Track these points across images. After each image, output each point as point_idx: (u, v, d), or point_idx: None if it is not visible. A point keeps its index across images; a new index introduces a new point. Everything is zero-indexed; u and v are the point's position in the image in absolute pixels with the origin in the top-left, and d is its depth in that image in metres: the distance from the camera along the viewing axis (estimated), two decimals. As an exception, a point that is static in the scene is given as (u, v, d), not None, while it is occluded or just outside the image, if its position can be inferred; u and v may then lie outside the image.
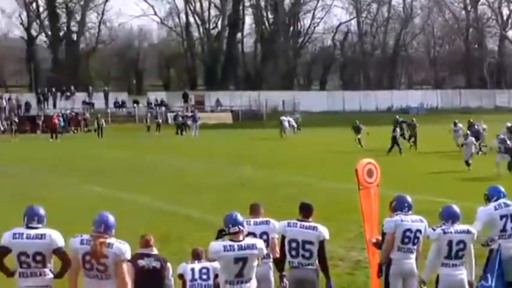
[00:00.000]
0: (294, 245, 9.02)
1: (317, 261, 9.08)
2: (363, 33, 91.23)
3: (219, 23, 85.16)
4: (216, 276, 8.66)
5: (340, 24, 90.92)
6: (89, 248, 7.70)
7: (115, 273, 7.74)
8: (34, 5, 79.50)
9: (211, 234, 10.16)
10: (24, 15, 79.51)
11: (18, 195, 21.29)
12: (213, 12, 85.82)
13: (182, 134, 53.02)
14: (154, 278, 8.62)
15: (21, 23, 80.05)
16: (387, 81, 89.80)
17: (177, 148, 41.66)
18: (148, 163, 32.12)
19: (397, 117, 40.87)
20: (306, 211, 9.22)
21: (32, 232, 8.08)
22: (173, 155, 36.33)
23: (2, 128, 50.60)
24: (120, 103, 66.81)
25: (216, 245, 8.13)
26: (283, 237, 9.15)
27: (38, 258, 8.07)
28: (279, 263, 9.27)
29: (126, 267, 7.84)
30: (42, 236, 8.08)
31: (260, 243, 8.32)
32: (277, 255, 9.30)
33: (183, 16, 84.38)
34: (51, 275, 8.21)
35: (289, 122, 50.16)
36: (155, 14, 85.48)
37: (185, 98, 67.96)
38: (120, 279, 7.74)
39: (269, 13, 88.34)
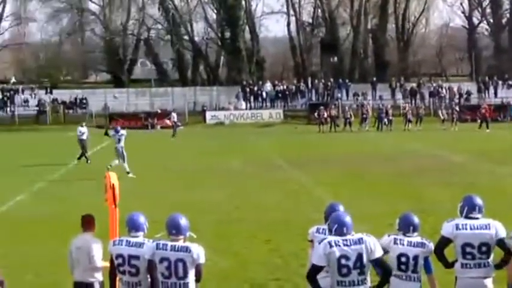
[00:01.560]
0: None
1: None
2: None
3: None
4: None
5: None
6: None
7: None
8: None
9: None
10: (465, 3, 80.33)
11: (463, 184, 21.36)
12: None
13: None
14: None
15: (463, 12, 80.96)
16: None
17: None
18: None
19: None
20: None
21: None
22: None
23: (442, 117, 51.03)
24: None
25: None
26: None
27: (483, 249, 7.85)
28: None
29: None
30: (487, 227, 7.88)
31: None
32: None
33: None
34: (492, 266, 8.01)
35: None
36: None
37: None
38: None
39: None
